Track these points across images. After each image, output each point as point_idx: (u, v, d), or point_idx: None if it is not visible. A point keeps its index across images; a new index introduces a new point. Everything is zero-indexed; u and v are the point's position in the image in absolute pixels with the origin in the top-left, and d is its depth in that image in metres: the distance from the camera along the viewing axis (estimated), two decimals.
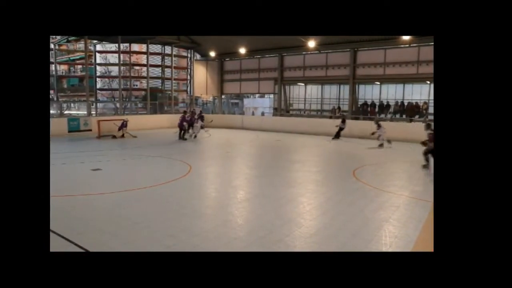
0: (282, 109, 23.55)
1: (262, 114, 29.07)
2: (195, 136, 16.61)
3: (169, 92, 26.07)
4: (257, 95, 34.55)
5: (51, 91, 22.17)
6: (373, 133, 15.08)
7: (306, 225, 5.29)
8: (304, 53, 21.51)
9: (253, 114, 31.29)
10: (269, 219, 5.52)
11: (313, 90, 23.38)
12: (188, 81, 26.88)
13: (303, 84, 23.21)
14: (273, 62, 23.28)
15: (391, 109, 19.67)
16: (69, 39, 24.38)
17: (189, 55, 26.41)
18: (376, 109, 20.02)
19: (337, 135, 17.29)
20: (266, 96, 33.06)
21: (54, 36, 23.06)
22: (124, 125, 16.65)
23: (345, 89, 21.23)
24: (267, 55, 23.64)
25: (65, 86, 26.37)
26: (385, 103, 19.92)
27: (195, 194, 7.16)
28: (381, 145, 14.47)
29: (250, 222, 5.50)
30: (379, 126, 14.74)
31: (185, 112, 17.79)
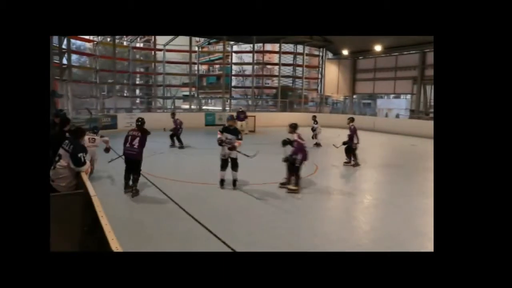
0: (421, 111, 21.20)
1: (397, 116, 26.83)
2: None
3: (300, 90, 26.26)
4: (391, 96, 32.02)
5: (193, 88, 24.36)
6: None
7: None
8: None
9: (386, 115, 29.03)
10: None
11: None
12: (319, 80, 26.63)
13: None
14: (413, 60, 21.15)
15: None
16: (210, 41, 26.58)
17: (320, 54, 26.18)
18: None
19: None
20: (402, 96, 30.44)
21: (197, 39, 25.37)
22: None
23: None
24: (405, 52, 21.60)
25: (204, 84, 28.78)
26: None
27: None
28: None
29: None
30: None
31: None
